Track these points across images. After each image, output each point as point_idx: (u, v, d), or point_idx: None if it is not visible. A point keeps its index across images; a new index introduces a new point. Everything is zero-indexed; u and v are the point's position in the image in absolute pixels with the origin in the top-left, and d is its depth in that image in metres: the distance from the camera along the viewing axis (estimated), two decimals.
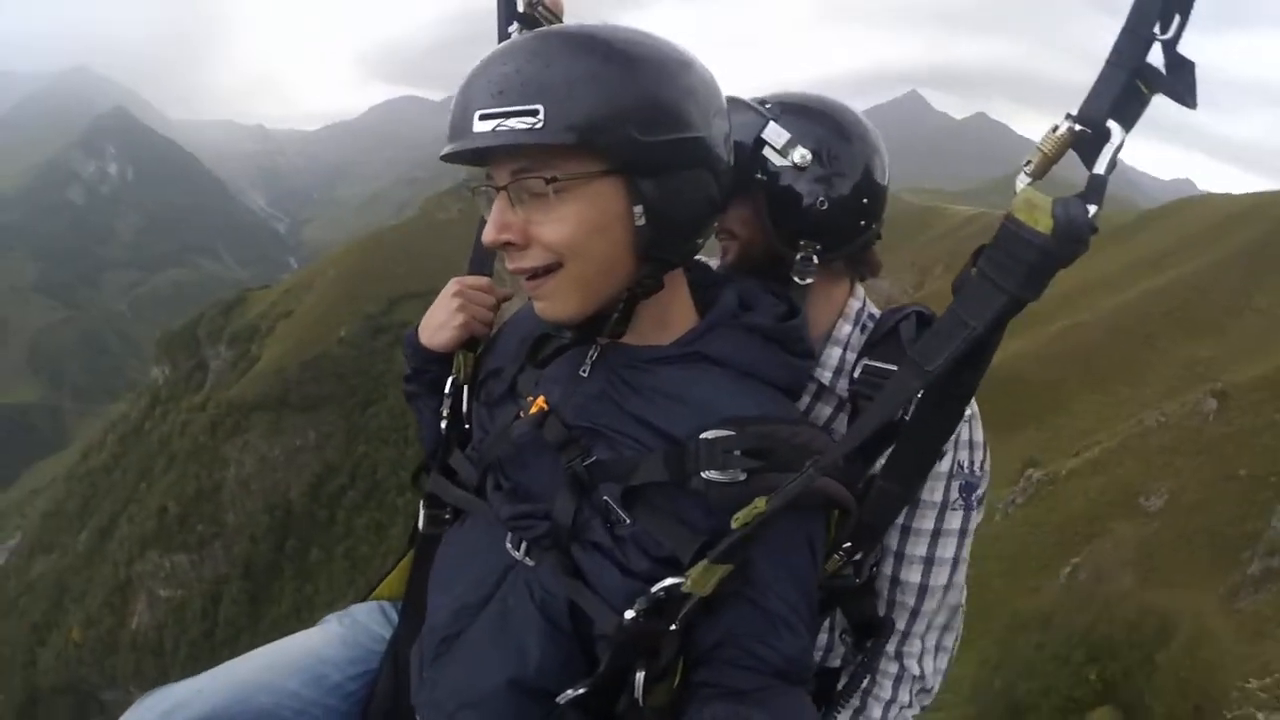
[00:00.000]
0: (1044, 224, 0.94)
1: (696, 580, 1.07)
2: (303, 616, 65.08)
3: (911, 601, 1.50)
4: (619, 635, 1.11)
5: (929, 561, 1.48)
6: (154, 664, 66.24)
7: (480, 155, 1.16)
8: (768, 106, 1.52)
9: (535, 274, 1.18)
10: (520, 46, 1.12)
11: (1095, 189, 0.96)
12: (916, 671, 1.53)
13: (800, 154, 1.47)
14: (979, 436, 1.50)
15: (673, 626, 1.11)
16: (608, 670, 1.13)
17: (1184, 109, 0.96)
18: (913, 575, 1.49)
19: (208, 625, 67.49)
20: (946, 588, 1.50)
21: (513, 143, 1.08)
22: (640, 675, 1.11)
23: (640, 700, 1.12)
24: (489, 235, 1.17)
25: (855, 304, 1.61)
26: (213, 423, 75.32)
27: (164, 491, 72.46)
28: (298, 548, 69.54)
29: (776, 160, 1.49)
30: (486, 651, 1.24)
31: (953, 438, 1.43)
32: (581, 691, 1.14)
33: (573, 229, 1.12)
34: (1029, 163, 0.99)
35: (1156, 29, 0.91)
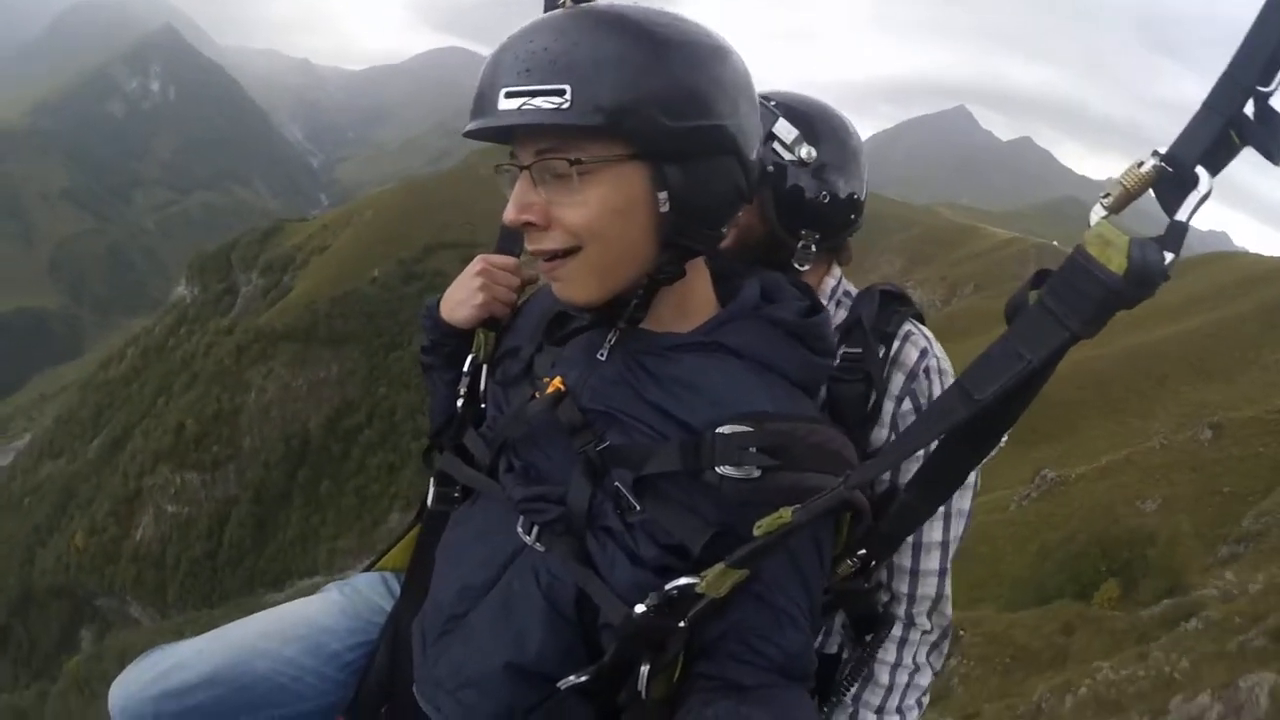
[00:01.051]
0: (1117, 264, 0.86)
1: (712, 583, 1.06)
2: (308, 546, 66.14)
3: (909, 563, 1.51)
4: (627, 628, 1.09)
5: None
6: (154, 576, 67.59)
7: (504, 133, 1.13)
8: (773, 104, 1.56)
9: (554, 256, 1.16)
10: (550, 24, 1.09)
11: (1175, 236, 0.87)
12: (927, 626, 1.54)
13: (807, 150, 1.54)
14: None
15: (682, 624, 1.09)
16: (613, 661, 1.11)
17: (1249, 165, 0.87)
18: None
19: (211, 545, 68.39)
20: (942, 544, 1.52)
21: (537, 122, 1.05)
22: (645, 668, 1.10)
23: (643, 693, 1.11)
24: (510, 215, 1.14)
25: (831, 282, 1.70)
26: (239, 347, 76.02)
27: (183, 409, 73.28)
28: (310, 478, 70.35)
29: (784, 155, 1.54)
30: (487, 634, 1.22)
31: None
32: (583, 679, 1.13)
33: (595, 212, 1.10)
34: (1107, 195, 0.92)
35: (1257, 79, 0.83)
